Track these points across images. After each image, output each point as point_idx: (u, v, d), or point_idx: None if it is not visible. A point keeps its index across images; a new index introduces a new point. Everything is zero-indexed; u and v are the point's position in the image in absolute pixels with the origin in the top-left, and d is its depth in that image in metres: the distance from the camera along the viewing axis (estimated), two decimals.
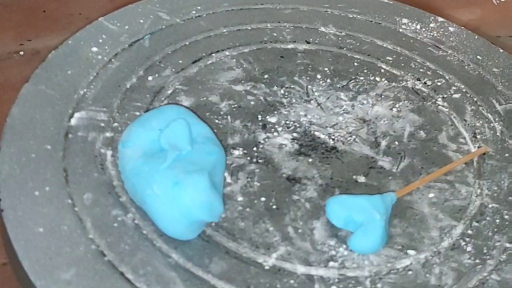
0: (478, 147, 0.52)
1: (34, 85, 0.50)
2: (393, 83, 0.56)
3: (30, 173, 0.44)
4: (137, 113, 0.49)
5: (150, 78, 0.53)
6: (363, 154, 0.50)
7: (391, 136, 0.51)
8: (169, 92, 0.52)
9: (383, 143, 0.51)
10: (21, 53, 0.72)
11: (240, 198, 0.45)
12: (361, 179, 0.48)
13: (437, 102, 0.55)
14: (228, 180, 0.46)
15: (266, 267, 0.41)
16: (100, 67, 0.53)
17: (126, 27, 0.57)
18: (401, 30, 0.62)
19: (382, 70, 0.57)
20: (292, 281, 0.41)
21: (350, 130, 0.51)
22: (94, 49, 0.55)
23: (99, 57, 0.54)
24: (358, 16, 0.63)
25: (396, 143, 0.51)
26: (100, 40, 0.56)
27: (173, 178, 0.40)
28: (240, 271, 0.41)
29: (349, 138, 0.51)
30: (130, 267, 0.40)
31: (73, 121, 0.48)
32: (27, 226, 0.41)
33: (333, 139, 0.50)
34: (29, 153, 0.45)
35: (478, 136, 0.52)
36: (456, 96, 0.56)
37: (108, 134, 0.48)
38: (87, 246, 0.41)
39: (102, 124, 0.48)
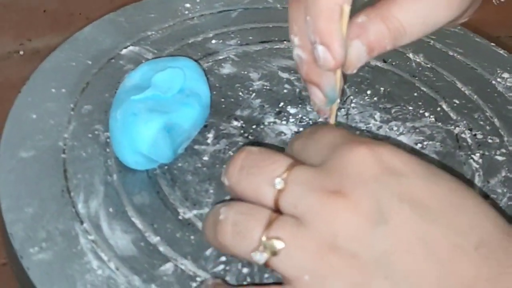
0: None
1: (116, 16, 0.58)
2: (439, 123, 0.54)
3: (60, 75, 0.52)
4: None
5: (213, 41, 0.58)
6: None
7: None
8: (220, 57, 0.56)
9: None
10: (21, 52, 0.74)
11: (205, 158, 0.48)
12: None
13: (472, 155, 0.51)
14: (208, 141, 0.49)
15: (180, 218, 0.44)
16: (180, 20, 0.59)
17: None
18: (494, 82, 0.59)
19: (438, 109, 0.55)
20: (192, 237, 0.43)
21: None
22: (187, 5, 0.61)
23: (186, 12, 0.61)
24: (458, 56, 0.61)
25: None
26: (198, 0, 0.62)
27: (134, 109, 0.45)
28: (156, 210, 0.44)
29: None
30: (73, 169, 0.46)
31: (124, 51, 0.55)
32: (26, 110, 0.49)
33: None
34: (71, 61, 0.53)
35: (487, 153, 0.49)
36: (499, 158, 0.52)
37: None
38: (57, 141, 0.47)
39: (143, 61, 0.54)
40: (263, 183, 0.34)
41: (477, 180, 0.50)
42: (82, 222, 0.42)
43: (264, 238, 0.33)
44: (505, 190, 0.49)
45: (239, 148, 0.48)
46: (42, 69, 0.52)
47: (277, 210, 0.34)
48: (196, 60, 0.55)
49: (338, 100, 0.45)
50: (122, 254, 0.41)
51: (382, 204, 0.31)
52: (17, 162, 0.45)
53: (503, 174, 0.50)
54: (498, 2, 0.82)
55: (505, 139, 0.53)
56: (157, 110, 0.45)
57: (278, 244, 0.32)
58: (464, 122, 0.54)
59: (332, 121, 0.46)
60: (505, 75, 0.59)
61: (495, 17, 0.80)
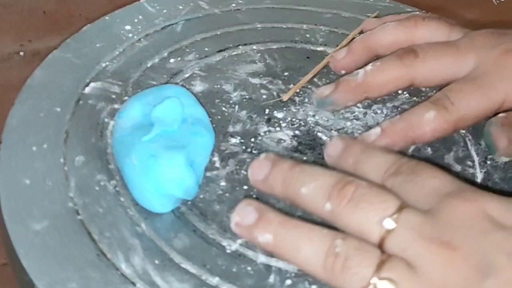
0: (485, 172, 0.50)
1: (61, 52, 0.54)
2: (415, 98, 0.55)
3: (34, 130, 0.47)
4: None
5: (172, 60, 0.55)
6: None
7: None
8: (186, 75, 0.54)
9: None
10: (21, 54, 0.75)
11: (223, 183, 0.46)
12: None
13: None
14: (217, 164, 0.47)
15: (228, 251, 0.42)
16: (128, 45, 0.56)
17: (164, 11, 0.60)
18: None
19: None
20: (249, 268, 0.41)
21: (354, 136, 0.51)
22: (128, 27, 0.57)
23: (130, 35, 0.57)
24: None
25: None
26: (136, 20, 0.58)
27: (151, 150, 0.42)
28: (201, 250, 0.42)
29: None
30: (97, 228, 0.42)
31: (87, 90, 0.51)
32: (16, 176, 0.44)
33: None
34: (38, 112, 0.48)
35: (488, 162, 0.51)
36: None
37: (116, 106, 0.50)
38: (65, 203, 0.43)
39: (113, 96, 0.51)
40: (372, 221, 0.34)
41: (470, 145, 0.52)
42: (134, 284, 0.39)
43: (375, 279, 0.32)
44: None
45: (249, 166, 0.47)
46: (11, 125, 0.47)
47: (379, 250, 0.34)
48: (165, 84, 0.53)
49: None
50: None
51: (491, 259, 0.32)
52: (33, 236, 0.41)
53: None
54: (498, 2, 0.85)
55: None
56: (174, 146, 0.43)
57: (390, 286, 0.32)
58: (434, 91, 0.56)
59: (285, 98, 0.52)
60: None
61: (495, 17, 0.84)
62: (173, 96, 0.46)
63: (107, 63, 0.54)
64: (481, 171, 0.50)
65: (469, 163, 0.51)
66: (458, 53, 0.48)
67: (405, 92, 0.56)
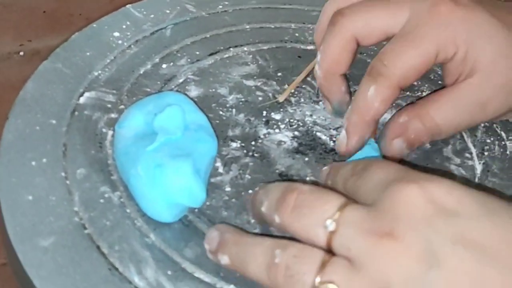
0: (484, 163, 0.51)
1: (52, 63, 0.52)
2: (408, 92, 0.55)
3: (31, 144, 0.46)
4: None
5: (164, 66, 0.54)
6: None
7: None
8: (180, 81, 0.53)
9: None
10: (21, 53, 0.74)
11: (228, 189, 0.46)
12: None
13: None
14: (220, 170, 0.47)
15: None
16: (119, 52, 0.55)
17: (152, 16, 0.59)
18: None
19: None
20: None
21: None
22: (116, 34, 0.56)
23: (119, 42, 0.56)
24: None
25: None
26: (124, 26, 0.57)
27: (156, 160, 0.41)
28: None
29: None
30: (107, 242, 0.41)
31: (82, 100, 0.50)
32: (18, 193, 0.43)
33: (334, 141, 0.50)
34: (34, 126, 0.47)
35: (486, 153, 0.51)
36: None
37: (113, 115, 0.49)
38: (71, 218, 0.42)
39: (109, 106, 0.50)
40: (315, 225, 0.33)
41: (466, 137, 0.53)
42: None
43: (317, 283, 0.32)
44: (492, 139, 0.53)
45: (254, 170, 0.46)
46: (7, 140, 0.46)
47: (330, 250, 0.33)
48: (162, 90, 0.52)
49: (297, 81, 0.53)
50: None
51: (435, 247, 0.30)
52: (42, 254, 0.40)
53: (482, 124, 0.54)
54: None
55: None
56: (179, 154, 0.42)
57: None
58: (426, 85, 0.57)
59: (281, 99, 0.52)
60: None
61: None
62: (174, 104, 0.45)
63: (99, 71, 0.53)
64: (479, 163, 0.51)
65: (467, 155, 0.51)
66: (389, 6, 0.45)
67: None
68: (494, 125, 0.54)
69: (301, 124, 0.51)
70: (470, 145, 0.52)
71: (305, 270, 0.32)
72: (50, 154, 0.46)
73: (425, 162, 0.50)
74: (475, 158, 0.51)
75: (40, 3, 0.80)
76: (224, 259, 0.37)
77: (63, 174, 0.45)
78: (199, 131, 0.45)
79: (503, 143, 0.52)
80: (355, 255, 0.31)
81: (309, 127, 0.51)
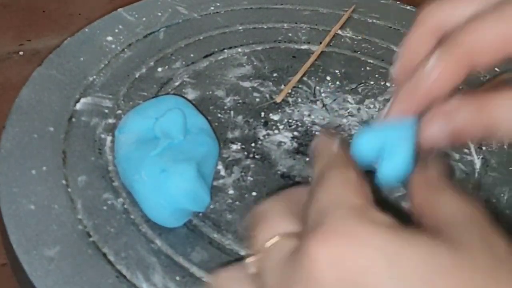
0: (482, 158, 0.51)
1: (46, 69, 0.52)
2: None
3: (30, 153, 0.45)
4: (142, 102, 0.50)
5: (159, 69, 0.54)
6: None
7: None
8: (177, 84, 0.53)
9: None
10: (21, 53, 0.73)
11: (231, 192, 0.45)
12: None
13: None
14: (222, 173, 0.47)
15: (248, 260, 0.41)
16: (113, 56, 0.54)
17: (144, 19, 0.59)
18: None
19: None
20: None
21: (352, 133, 0.51)
22: (109, 38, 0.56)
23: (113, 46, 0.55)
24: (377, 22, 0.63)
25: None
26: (116, 30, 0.57)
27: (161, 165, 0.41)
28: (221, 261, 0.41)
29: (350, 141, 0.50)
30: (113, 250, 0.41)
31: (78, 106, 0.49)
32: (20, 202, 0.42)
33: None
34: (31, 134, 0.47)
35: (484, 148, 0.52)
36: None
37: (110, 121, 0.49)
38: (74, 226, 0.42)
39: (106, 111, 0.50)
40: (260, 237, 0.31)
41: None
42: None
43: None
44: None
45: (256, 172, 0.46)
46: (5, 149, 0.45)
47: None
48: (160, 95, 0.52)
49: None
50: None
51: None
52: (47, 263, 0.40)
53: None
54: None
55: (460, 87, 0.57)
56: (183, 159, 0.42)
57: None
58: None
59: (278, 99, 0.52)
60: None
61: None
62: (174, 107, 0.45)
63: (94, 76, 0.52)
64: (478, 158, 0.51)
65: (466, 150, 0.51)
66: None
67: (393, 85, 0.56)
68: None
69: (300, 124, 0.51)
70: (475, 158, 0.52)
71: None
72: (49, 162, 0.45)
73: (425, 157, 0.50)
74: (474, 153, 0.51)
75: (40, 3, 0.81)
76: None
77: (64, 182, 0.44)
78: (200, 134, 0.44)
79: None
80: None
81: (308, 127, 0.51)
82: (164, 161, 0.41)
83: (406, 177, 0.36)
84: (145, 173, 0.41)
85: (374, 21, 0.63)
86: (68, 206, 0.43)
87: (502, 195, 0.48)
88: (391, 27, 0.63)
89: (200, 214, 0.44)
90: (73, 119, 0.49)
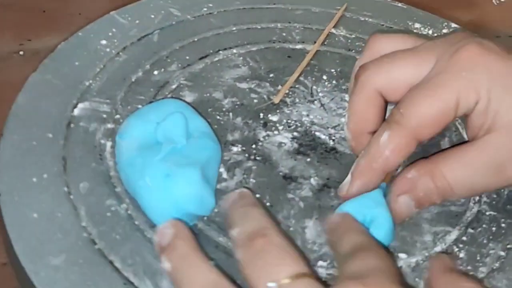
0: None
1: (41, 75, 0.51)
2: None
3: (30, 160, 0.45)
4: (140, 106, 0.50)
5: (156, 72, 0.54)
6: None
7: None
8: (174, 87, 0.53)
9: None
10: (21, 53, 0.72)
11: None
12: None
13: None
14: (224, 175, 0.46)
15: None
16: (108, 60, 0.54)
17: (137, 21, 0.58)
18: (415, 32, 0.62)
19: None
20: None
21: None
22: (103, 42, 0.55)
23: (108, 50, 0.55)
24: (370, 20, 0.63)
25: None
26: (110, 34, 0.56)
27: (165, 170, 0.41)
28: (228, 265, 0.41)
29: None
30: (119, 256, 0.40)
31: (76, 111, 0.49)
32: (22, 211, 0.42)
33: (334, 140, 0.50)
34: (30, 141, 0.46)
35: None
36: None
37: (109, 126, 0.48)
38: (79, 233, 0.41)
39: (104, 116, 0.49)
40: (262, 279, 0.32)
41: (461, 129, 0.53)
42: None
43: None
44: None
45: (258, 174, 0.46)
46: (4, 157, 0.45)
47: None
48: (153, 97, 0.51)
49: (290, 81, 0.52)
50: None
51: None
52: (54, 271, 0.39)
53: None
54: (498, 2, 0.85)
55: None
56: (186, 163, 0.42)
57: None
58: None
59: (276, 100, 0.52)
60: (417, 25, 0.63)
61: (495, 17, 0.84)
62: (174, 111, 0.44)
63: (90, 81, 0.52)
64: None
65: None
66: (415, 56, 0.43)
67: None
68: None
69: (299, 125, 0.51)
70: (465, 136, 0.52)
71: None
72: (50, 169, 0.45)
73: (424, 155, 0.50)
74: None
75: (40, 2, 0.80)
76: (167, 265, 0.35)
77: (65, 189, 0.44)
78: (203, 138, 0.44)
79: None
80: None
81: (307, 127, 0.51)
82: (168, 166, 0.41)
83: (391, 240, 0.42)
84: (150, 178, 0.41)
85: (367, 19, 0.63)
86: (71, 213, 0.42)
87: (502, 190, 0.49)
88: (383, 25, 0.63)
89: (205, 218, 0.44)
90: (72, 125, 0.48)
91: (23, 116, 0.48)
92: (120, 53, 0.55)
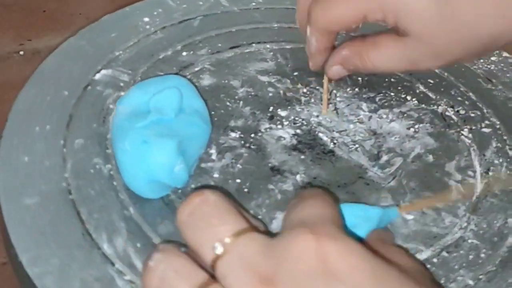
0: (485, 183, 0.49)
1: (77, 40, 0.55)
2: (423, 105, 0.55)
3: (39, 111, 0.49)
4: None
5: (184, 53, 0.56)
6: (358, 163, 0.49)
7: (395, 153, 0.50)
8: (196, 69, 0.55)
9: (384, 157, 0.50)
10: (21, 53, 0.74)
11: (216, 175, 0.47)
12: (346, 186, 0.47)
13: (462, 132, 0.53)
14: (213, 157, 0.48)
15: None
16: (143, 36, 0.57)
17: (184, 5, 0.61)
18: None
19: (417, 91, 0.56)
20: None
21: (356, 139, 0.51)
22: (146, 19, 0.59)
23: (147, 27, 0.58)
24: None
25: (398, 160, 0.50)
26: (155, 13, 0.59)
27: (143, 137, 0.43)
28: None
29: (351, 146, 0.51)
30: (87, 209, 0.43)
31: (97, 76, 0.52)
32: (16, 154, 0.45)
33: (335, 143, 0.50)
34: (46, 95, 0.50)
35: (491, 173, 0.50)
36: (486, 130, 0.53)
37: (122, 93, 0.51)
38: (59, 183, 0.44)
39: (122, 84, 0.52)
40: (206, 242, 0.31)
41: (474, 155, 0.51)
42: (113, 264, 0.40)
43: None
44: (501, 160, 0.51)
45: (247, 161, 0.47)
46: (17, 107, 0.49)
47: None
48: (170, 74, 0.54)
49: (328, 93, 0.54)
50: None
51: None
52: (24, 210, 0.42)
53: (494, 145, 0.52)
54: None
55: (485, 111, 0.55)
56: (167, 134, 0.43)
57: None
58: (444, 100, 0.56)
59: (324, 111, 0.53)
60: None
61: None
62: (175, 87, 0.46)
63: (120, 52, 0.55)
64: (481, 182, 0.49)
65: (470, 173, 0.50)
66: None
67: (414, 99, 0.55)
68: (507, 147, 0.52)
69: (305, 123, 0.52)
70: (476, 163, 0.51)
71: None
72: (54, 122, 0.48)
73: (423, 174, 0.49)
74: (478, 177, 0.50)
75: (40, 3, 0.82)
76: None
77: (62, 142, 0.47)
78: (193, 116, 0.46)
79: (511, 167, 0.51)
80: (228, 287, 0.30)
81: (312, 127, 0.52)
82: (148, 134, 0.43)
83: None
84: (128, 142, 0.43)
85: None
86: (58, 164, 0.45)
87: (495, 221, 0.47)
88: None
89: (180, 191, 0.45)
90: (89, 87, 0.51)
91: (47, 74, 0.52)
92: (158, 32, 0.58)
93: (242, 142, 0.49)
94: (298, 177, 0.48)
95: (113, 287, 0.39)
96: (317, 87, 0.55)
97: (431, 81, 0.57)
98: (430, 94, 0.56)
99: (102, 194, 0.44)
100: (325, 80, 0.52)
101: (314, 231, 0.30)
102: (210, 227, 0.31)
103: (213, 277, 0.30)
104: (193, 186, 0.46)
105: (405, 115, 0.54)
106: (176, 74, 0.54)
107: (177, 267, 0.31)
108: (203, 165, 0.47)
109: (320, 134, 0.51)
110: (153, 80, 0.48)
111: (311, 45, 0.49)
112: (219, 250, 0.30)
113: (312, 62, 0.51)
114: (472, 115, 0.55)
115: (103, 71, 0.53)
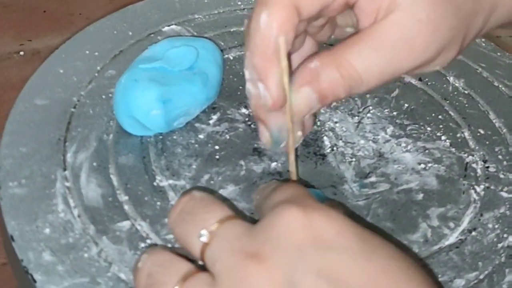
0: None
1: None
2: (453, 149, 0.52)
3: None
4: None
5: None
6: (341, 174, 0.49)
7: (386, 180, 0.49)
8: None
9: (372, 179, 0.49)
10: (21, 53, 0.74)
11: (201, 136, 0.50)
12: (312, 188, 0.47)
13: (475, 186, 0.49)
14: (211, 121, 0.51)
15: (154, 184, 0.46)
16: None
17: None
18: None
19: (458, 135, 0.53)
20: (158, 203, 0.45)
21: (356, 154, 0.50)
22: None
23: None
24: (503, 88, 0.58)
25: (384, 186, 0.48)
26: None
27: (136, 76, 0.48)
28: (136, 172, 0.47)
29: (347, 158, 0.50)
30: (76, 122, 0.49)
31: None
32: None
33: (332, 150, 0.50)
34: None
35: (474, 233, 0.46)
36: (504, 194, 0.49)
37: None
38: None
39: None
40: (193, 233, 0.32)
41: (470, 211, 0.47)
42: (64, 169, 0.46)
43: None
44: (496, 226, 0.47)
45: (235, 133, 0.49)
46: (84, 32, 0.56)
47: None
48: (230, 48, 0.57)
49: (295, 144, 0.42)
50: (88, 204, 0.44)
51: (297, 276, 0.29)
52: (30, 107, 0.50)
53: (501, 210, 0.48)
54: None
55: None
56: (158, 81, 0.48)
57: None
58: (481, 153, 0.52)
59: (292, 174, 0.43)
60: None
61: None
62: (202, 49, 0.50)
63: (200, 16, 0.61)
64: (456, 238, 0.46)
65: (451, 224, 0.47)
66: None
67: (448, 141, 0.53)
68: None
69: (318, 125, 0.52)
70: (466, 219, 0.47)
71: (166, 280, 0.31)
72: (103, 52, 0.55)
73: (399, 207, 0.47)
74: (457, 230, 0.46)
75: (40, 3, 0.82)
76: None
77: (98, 68, 0.54)
78: (197, 76, 0.49)
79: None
80: (218, 272, 0.30)
81: (323, 130, 0.52)
82: (142, 75, 0.48)
83: None
84: (125, 77, 0.48)
85: (498, 84, 0.58)
86: (83, 82, 0.52)
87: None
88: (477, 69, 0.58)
89: (161, 137, 0.49)
90: (152, 35, 0.58)
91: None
92: (245, 10, 0.62)
93: (247, 119, 0.52)
94: (273, 164, 0.49)
95: (51, 186, 0.45)
96: (356, 98, 0.55)
97: (481, 131, 0.54)
98: (470, 143, 0.53)
99: (96, 116, 0.50)
100: (288, 119, 0.40)
101: (298, 205, 0.31)
102: (196, 217, 0.33)
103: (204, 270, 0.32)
104: (175, 137, 0.49)
105: (426, 151, 0.51)
106: (234, 47, 0.58)
107: (162, 262, 0.32)
108: (196, 124, 0.51)
109: (325, 138, 0.51)
110: (186, 38, 0.53)
111: (270, 38, 0.36)
112: (206, 237, 0.32)
113: (271, 74, 0.37)
114: (502, 176, 0.50)
115: (173, 26, 0.59)
